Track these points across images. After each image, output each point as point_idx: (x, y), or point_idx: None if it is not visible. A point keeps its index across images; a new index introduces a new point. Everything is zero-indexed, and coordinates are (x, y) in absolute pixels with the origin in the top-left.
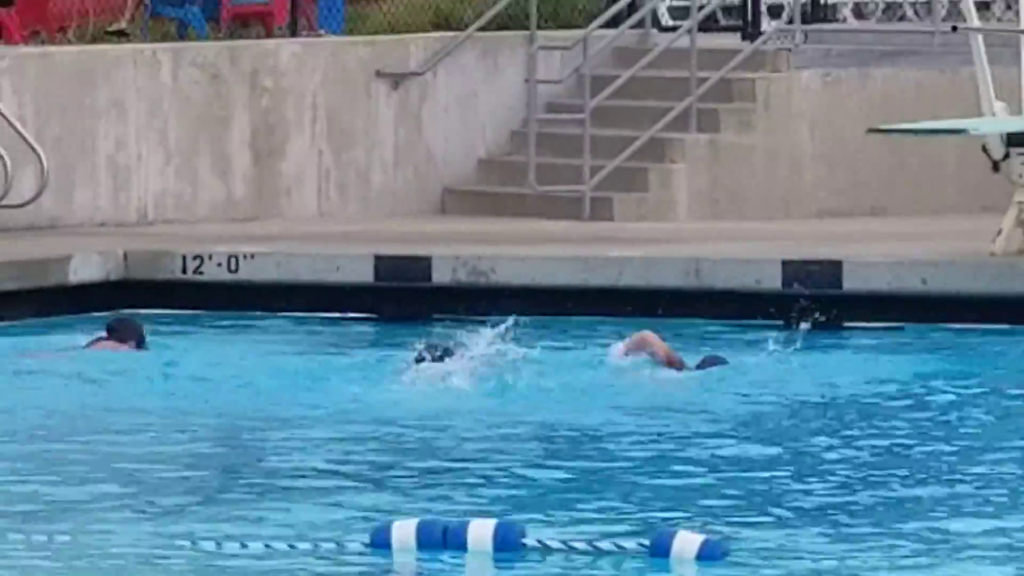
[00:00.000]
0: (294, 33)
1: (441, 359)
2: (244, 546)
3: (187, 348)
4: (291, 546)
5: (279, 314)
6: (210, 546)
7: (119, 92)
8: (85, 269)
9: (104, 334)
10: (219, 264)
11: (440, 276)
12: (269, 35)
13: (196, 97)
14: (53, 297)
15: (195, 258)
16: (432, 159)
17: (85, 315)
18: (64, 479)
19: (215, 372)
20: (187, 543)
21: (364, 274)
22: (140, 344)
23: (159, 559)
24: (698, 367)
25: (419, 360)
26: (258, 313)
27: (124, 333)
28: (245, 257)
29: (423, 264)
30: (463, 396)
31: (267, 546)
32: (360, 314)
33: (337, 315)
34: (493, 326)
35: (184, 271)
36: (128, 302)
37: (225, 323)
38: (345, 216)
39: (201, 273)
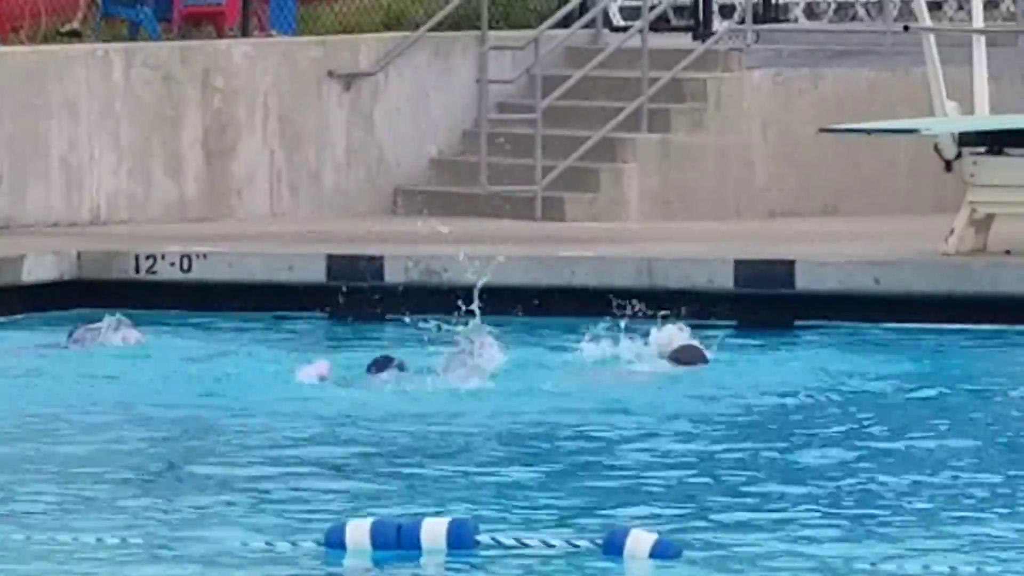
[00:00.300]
0: (245, 33)
1: (392, 368)
2: (193, 542)
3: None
4: (244, 544)
5: (232, 313)
6: (162, 542)
7: (71, 92)
8: (39, 269)
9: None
10: (172, 264)
11: (393, 276)
12: (220, 35)
13: (148, 97)
14: (6, 297)
15: (148, 258)
16: (384, 159)
17: (39, 315)
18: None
19: (167, 370)
20: (140, 540)
21: (317, 274)
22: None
23: (111, 558)
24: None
25: (371, 370)
26: (210, 312)
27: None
28: (198, 257)
29: (376, 264)
30: (418, 397)
31: (219, 544)
32: (312, 313)
33: (289, 314)
34: (455, 326)
35: (137, 271)
36: (82, 302)
37: (176, 323)
38: (297, 216)
39: (154, 273)
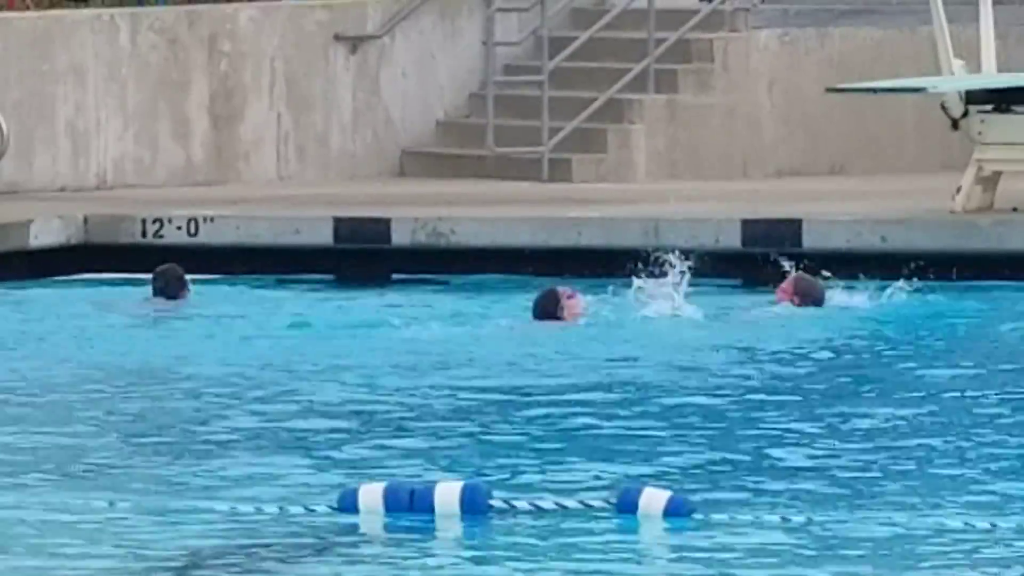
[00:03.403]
0: None
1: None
2: (206, 508)
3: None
4: (257, 509)
5: (239, 276)
6: (178, 506)
7: (78, 57)
8: (45, 234)
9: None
10: (179, 228)
11: (400, 238)
12: None
13: (155, 62)
14: (14, 262)
15: (155, 222)
16: (390, 122)
17: (46, 279)
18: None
19: (183, 333)
20: (152, 505)
21: (324, 236)
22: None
23: (124, 521)
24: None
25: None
26: (218, 276)
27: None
28: (205, 220)
29: (382, 226)
30: (431, 360)
31: (231, 508)
32: (320, 276)
33: (297, 277)
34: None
35: (144, 235)
36: (88, 266)
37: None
38: (304, 179)
39: (161, 237)
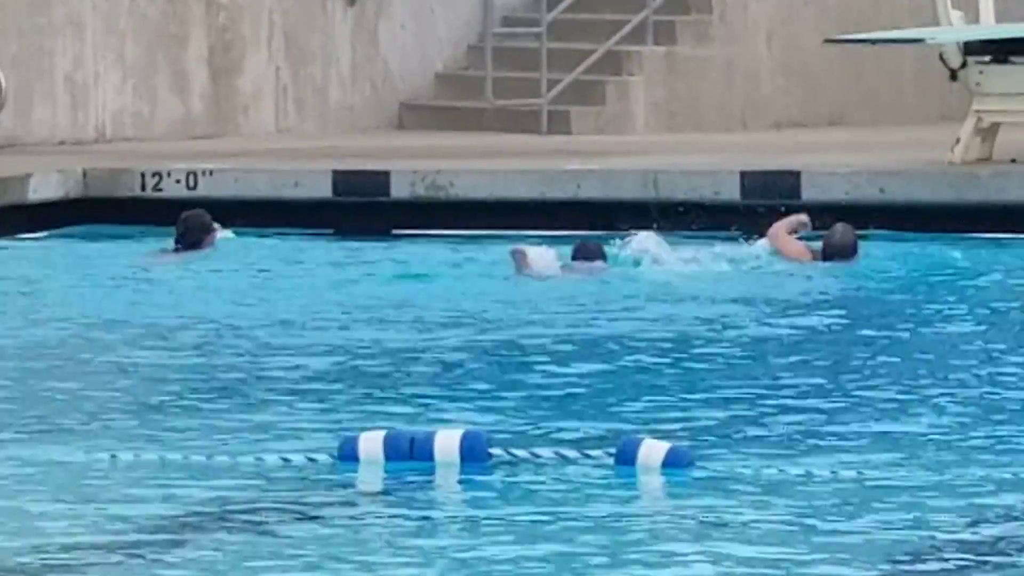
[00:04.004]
0: None
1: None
2: (209, 457)
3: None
4: (258, 459)
5: (238, 229)
6: (177, 457)
7: (76, 11)
8: (44, 187)
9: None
10: (178, 181)
11: (399, 191)
12: None
13: (153, 15)
14: (12, 216)
15: (154, 175)
16: (389, 74)
17: (45, 233)
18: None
19: (187, 284)
20: (155, 457)
21: (322, 189)
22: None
23: (125, 469)
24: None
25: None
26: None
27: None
28: (203, 174)
29: (382, 179)
30: (432, 311)
31: (232, 458)
32: (319, 229)
33: (295, 230)
34: None
35: (143, 188)
36: (87, 220)
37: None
38: (303, 132)
39: (160, 190)
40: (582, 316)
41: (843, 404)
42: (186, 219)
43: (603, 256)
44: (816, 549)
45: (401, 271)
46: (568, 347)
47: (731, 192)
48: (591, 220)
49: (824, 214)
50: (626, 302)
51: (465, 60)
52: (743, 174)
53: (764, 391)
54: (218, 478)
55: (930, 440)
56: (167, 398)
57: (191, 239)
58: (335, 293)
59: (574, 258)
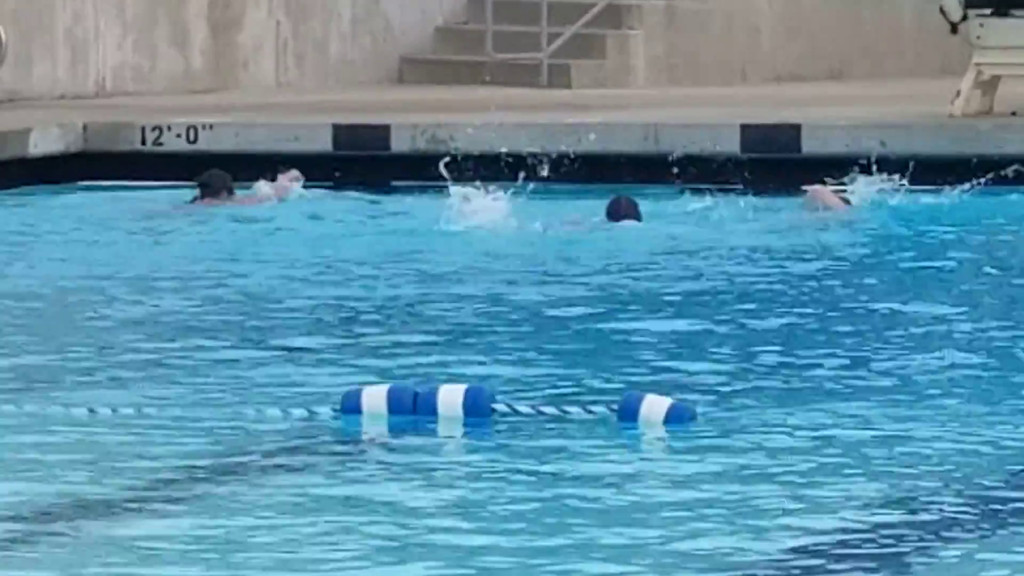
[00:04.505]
0: None
1: None
2: (213, 411)
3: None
4: (258, 411)
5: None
6: (177, 412)
7: None
8: (45, 141)
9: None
10: (178, 135)
11: (399, 144)
12: None
13: None
14: (13, 169)
15: (154, 129)
16: (389, 28)
17: (45, 187)
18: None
19: (185, 238)
20: (154, 410)
21: (323, 143)
22: (231, 192)
23: (125, 423)
24: None
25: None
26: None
27: (215, 187)
28: (204, 128)
29: (382, 133)
30: (443, 264)
31: (234, 411)
32: (319, 183)
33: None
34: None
35: (143, 142)
36: (88, 174)
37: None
38: (303, 87)
39: (160, 144)
40: (586, 270)
41: (848, 359)
42: (212, 175)
43: (638, 215)
44: (819, 501)
45: (399, 224)
46: (573, 302)
47: (731, 145)
48: (592, 173)
49: (825, 167)
50: (635, 256)
51: (465, 14)
52: (743, 127)
53: (770, 345)
54: (220, 431)
55: (940, 392)
56: (166, 350)
57: (216, 191)
58: (337, 246)
59: (610, 216)
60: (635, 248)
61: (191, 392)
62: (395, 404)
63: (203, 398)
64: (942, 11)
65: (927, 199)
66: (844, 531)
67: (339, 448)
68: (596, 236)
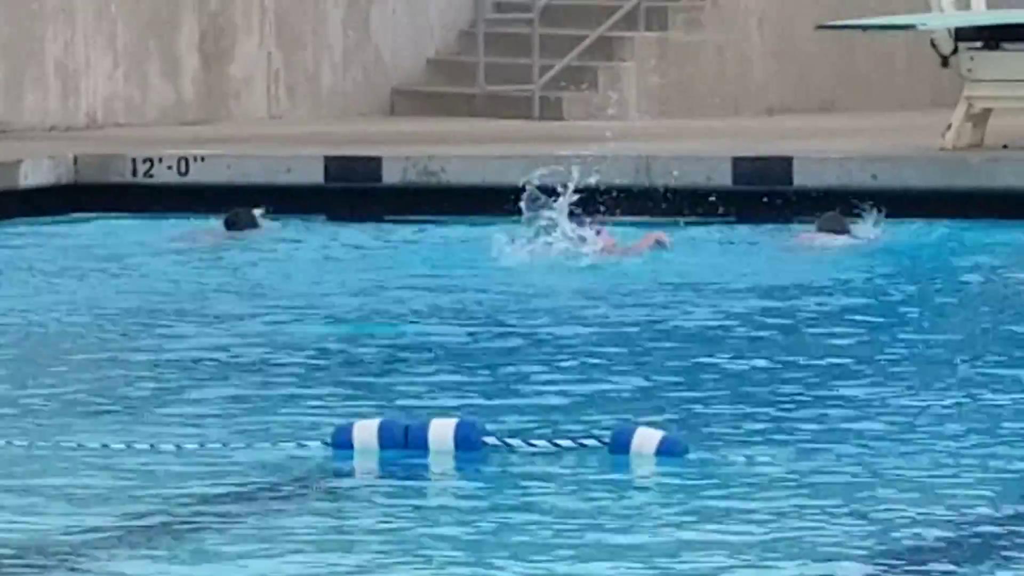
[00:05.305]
0: None
1: None
2: (201, 445)
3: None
4: (250, 447)
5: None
6: (169, 445)
7: None
8: (35, 173)
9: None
10: (169, 167)
11: (390, 176)
12: None
13: (144, 0)
14: (3, 201)
15: (145, 161)
16: (381, 60)
17: (36, 219)
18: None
19: (180, 271)
20: (147, 446)
21: (314, 175)
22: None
23: (116, 459)
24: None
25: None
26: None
27: (240, 225)
28: (195, 159)
29: (373, 165)
30: (425, 297)
31: (224, 446)
32: (311, 215)
33: (288, 216)
34: None
35: (134, 174)
36: (79, 206)
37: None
38: (294, 118)
39: (151, 176)
40: (581, 303)
41: (839, 395)
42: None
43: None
44: (808, 537)
45: (393, 257)
46: (566, 335)
47: (723, 178)
48: (583, 205)
49: (817, 200)
50: (629, 288)
51: (457, 46)
52: (735, 160)
53: (766, 378)
54: (210, 465)
55: (933, 432)
56: (156, 385)
57: (241, 227)
58: (327, 279)
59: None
60: (626, 281)
61: (180, 425)
62: (386, 438)
63: (193, 432)
64: (933, 44)
65: (923, 231)
66: (835, 571)
67: (330, 482)
68: (586, 269)
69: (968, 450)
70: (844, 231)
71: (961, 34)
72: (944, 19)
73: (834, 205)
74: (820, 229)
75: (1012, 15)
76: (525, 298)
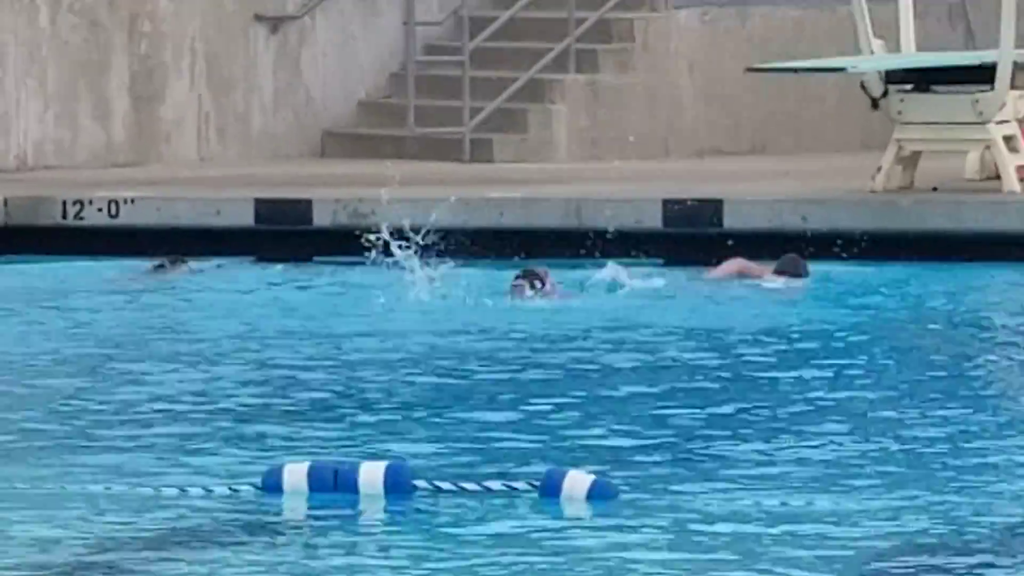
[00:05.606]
0: None
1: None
2: (131, 488)
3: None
4: (182, 490)
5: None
6: (98, 489)
7: None
8: None
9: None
10: (99, 209)
11: (321, 219)
12: None
13: (74, 42)
14: None
15: (75, 203)
16: (311, 102)
17: None
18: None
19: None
20: (77, 488)
21: (245, 218)
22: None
23: (55, 501)
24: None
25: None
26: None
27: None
28: (125, 202)
29: (303, 207)
30: (357, 340)
31: (155, 490)
32: (241, 258)
33: (218, 259)
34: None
35: (64, 216)
36: (9, 248)
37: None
38: (225, 160)
39: (82, 218)
40: (511, 345)
41: (770, 432)
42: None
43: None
44: None
45: (326, 299)
46: (501, 378)
47: (654, 220)
48: (513, 248)
49: (747, 242)
50: (557, 331)
51: (388, 88)
52: (665, 202)
53: (697, 420)
54: (140, 509)
55: (854, 467)
56: (86, 428)
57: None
58: (260, 321)
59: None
60: (556, 323)
61: (110, 469)
62: (316, 481)
63: (123, 475)
64: (863, 86)
65: (855, 272)
66: None
67: (261, 526)
68: (519, 310)
69: (907, 497)
70: (801, 274)
71: (891, 76)
72: (874, 62)
73: (764, 248)
74: (777, 271)
75: (942, 58)
76: (454, 340)
